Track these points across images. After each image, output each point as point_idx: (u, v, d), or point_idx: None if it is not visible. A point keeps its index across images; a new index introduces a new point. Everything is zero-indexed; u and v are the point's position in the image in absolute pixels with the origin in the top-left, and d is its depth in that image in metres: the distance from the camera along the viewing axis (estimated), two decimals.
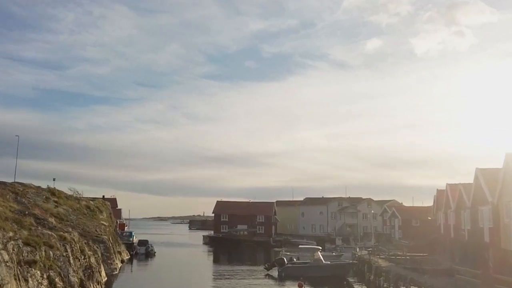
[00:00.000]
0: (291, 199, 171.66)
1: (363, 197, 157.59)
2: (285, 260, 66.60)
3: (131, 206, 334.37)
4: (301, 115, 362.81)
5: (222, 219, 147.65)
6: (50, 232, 39.31)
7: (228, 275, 64.33)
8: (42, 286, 30.08)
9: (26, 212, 43.54)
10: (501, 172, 42.74)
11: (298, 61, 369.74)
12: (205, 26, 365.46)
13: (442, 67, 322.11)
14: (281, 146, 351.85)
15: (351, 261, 68.19)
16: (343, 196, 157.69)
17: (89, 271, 43.27)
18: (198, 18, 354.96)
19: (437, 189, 79.74)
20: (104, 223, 73.73)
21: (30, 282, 28.73)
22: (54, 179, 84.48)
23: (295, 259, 69.11)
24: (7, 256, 26.66)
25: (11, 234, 30.35)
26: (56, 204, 61.31)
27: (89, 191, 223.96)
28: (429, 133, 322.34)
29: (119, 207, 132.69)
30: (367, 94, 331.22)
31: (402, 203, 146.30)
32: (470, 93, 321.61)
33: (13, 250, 28.53)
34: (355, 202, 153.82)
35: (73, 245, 41.07)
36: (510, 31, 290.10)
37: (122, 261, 73.59)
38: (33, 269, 29.87)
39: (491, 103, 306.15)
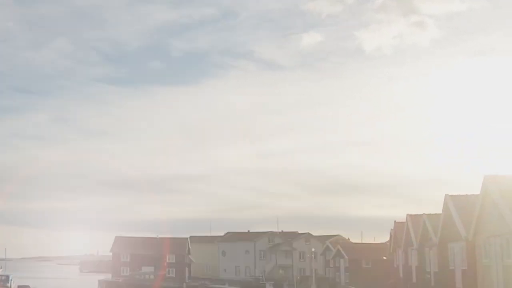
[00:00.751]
0: (209, 234, 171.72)
1: (300, 231, 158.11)
2: None
3: (7, 243, 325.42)
4: (221, 128, 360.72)
5: (122, 259, 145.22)
6: None
7: None
8: None
9: None
10: (478, 200, 42.34)
11: (216, 60, 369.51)
12: (98, 17, 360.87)
13: (397, 67, 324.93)
14: (195, 167, 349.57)
15: None
16: (275, 230, 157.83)
17: None
18: (89, 7, 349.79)
19: (395, 221, 79.97)
20: None
21: None
22: None
23: None
24: None
25: None
26: None
27: None
28: (383, 151, 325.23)
29: None
30: (304, 102, 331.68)
31: (348, 239, 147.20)
32: (434, 99, 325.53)
33: None
34: (289, 237, 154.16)
35: None
36: (483, 22, 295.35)
37: None
38: None
39: (461, 112, 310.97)
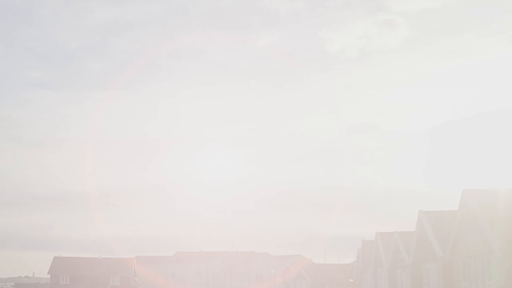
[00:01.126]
0: (157, 254, 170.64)
1: (257, 251, 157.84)
2: None
3: None
4: (169, 137, 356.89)
5: (61, 282, 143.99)
6: None
7: None
8: None
9: None
10: (455, 216, 42.45)
11: (163, 62, 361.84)
12: (33, 15, 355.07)
13: (364, 70, 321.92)
14: (142, 180, 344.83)
15: None
16: (230, 249, 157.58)
17: None
18: (23, 4, 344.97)
19: (363, 240, 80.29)
20: None
21: None
22: None
23: None
24: None
25: None
26: None
27: None
28: (348, 162, 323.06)
29: None
30: (260, 110, 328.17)
31: (311, 259, 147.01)
32: (404, 106, 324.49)
33: None
34: (246, 258, 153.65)
35: None
36: (458, 21, 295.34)
37: None
38: None
39: (434, 119, 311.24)
